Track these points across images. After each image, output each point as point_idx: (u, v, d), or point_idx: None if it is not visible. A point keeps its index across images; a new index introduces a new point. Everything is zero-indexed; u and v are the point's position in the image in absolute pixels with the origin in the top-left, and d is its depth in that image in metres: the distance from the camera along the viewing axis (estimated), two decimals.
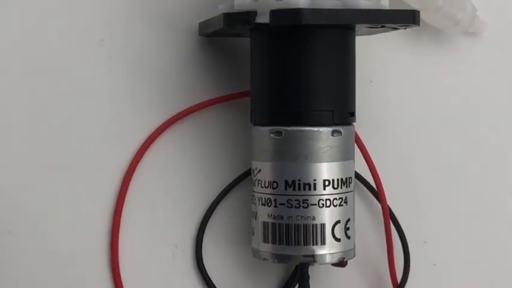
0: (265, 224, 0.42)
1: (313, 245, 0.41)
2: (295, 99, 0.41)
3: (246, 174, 0.46)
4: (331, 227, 0.41)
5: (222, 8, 0.42)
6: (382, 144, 0.47)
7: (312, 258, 0.41)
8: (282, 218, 0.41)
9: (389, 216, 0.46)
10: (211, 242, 0.46)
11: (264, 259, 0.42)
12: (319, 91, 0.41)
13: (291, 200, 0.41)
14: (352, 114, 0.42)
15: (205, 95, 0.46)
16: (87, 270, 0.45)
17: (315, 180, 0.41)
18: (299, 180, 0.41)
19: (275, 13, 0.39)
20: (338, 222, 0.42)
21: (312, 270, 0.44)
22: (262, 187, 0.42)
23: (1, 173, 0.45)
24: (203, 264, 0.46)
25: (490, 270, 0.48)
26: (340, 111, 0.41)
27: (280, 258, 0.42)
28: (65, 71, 0.45)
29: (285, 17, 0.39)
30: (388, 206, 0.46)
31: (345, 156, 0.42)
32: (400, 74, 0.48)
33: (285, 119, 0.41)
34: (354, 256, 0.43)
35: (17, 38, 0.45)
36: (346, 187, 0.42)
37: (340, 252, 0.42)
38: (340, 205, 0.42)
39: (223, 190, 0.46)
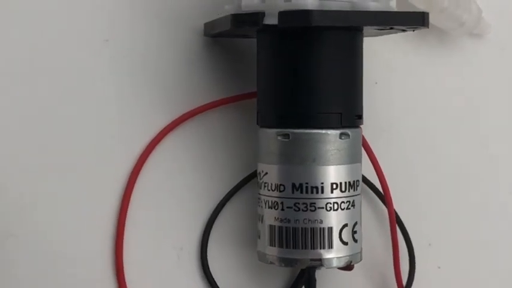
0: (271, 227, 0.42)
1: (320, 248, 0.41)
2: (304, 101, 0.40)
3: (252, 176, 0.46)
4: (338, 231, 0.41)
5: (229, 9, 0.41)
6: (386, 146, 0.47)
7: (319, 262, 0.41)
8: (289, 221, 0.41)
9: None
10: (217, 245, 0.46)
11: (271, 263, 0.42)
12: (328, 93, 0.40)
13: (298, 203, 0.41)
14: (360, 116, 0.42)
15: (210, 96, 0.46)
16: (91, 272, 0.45)
17: (322, 183, 0.41)
18: (306, 183, 0.41)
19: (284, 14, 0.39)
20: (345, 225, 0.41)
21: (317, 273, 0.43)
22: (268, 190, 0.42)
23: (3, 173, 0.44)
24: (208, 267, 0.46)
25: (494, 272, 0.48)
26: (348, 113, 0.41)
27: (287, 262, 0.41)
28: (69, 72, 0.45)
29: (294, 19, 0.38)
30: (394, 209, 0.46)
31: (353, 159, 0.41)
32: (405, 75, 0.48)
33: (293, 121, 0.41)
34: (361, 260, 0.43)
35: (21, 39, 0.44)
36: (354, 190, 0.42)
37: (347, 256, 0.41)
38: (347, 208, 0.41)
39: (228, 192, 0.46)
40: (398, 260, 0.46)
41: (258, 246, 0.43)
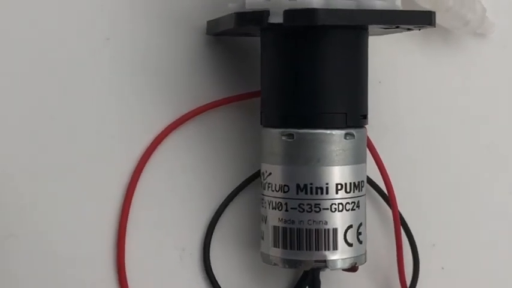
0: (275, 228, 0.41)
1: (325, 250, 0.40)
2: (308, 101, 0.40)
3: (255, 177, 0.45)
4: (343, 232, 0.41)
5: (233, 7, 0.41)
6: (390, 145, 0.47)
7: (324, 264, 0.40)
8: (293, 222, 0.40)
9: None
10: (219, 246, 0.45)
11: (274, 264, 0.42)
12: (333, 93, 0.40)
13: (303, 204, 0.40)
14: (365, 116, 0.42)
15: (212, 96, 0.45)
16: (93, 273, 0.44)
17: (327, 184, 0.40)
18: (311, 184, 0.40)
19: (289, 13, 0.38)
20: (350, 226, 0.41)
21: (320, 274, 0.43)
22: (272, 190, 0.41)
23: (3, 173, 0.44)
24: (211, 268, 0.45)
25: (498, 273, 0.48)
26: (353, 113, 0.41)
27: (291, 263, 0.41)
28: (69, 71, 0.44)
29: (299, 18, 0.38)
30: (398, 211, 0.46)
31: (358, 159, 0.41)
32: (409, 74, 0.47)
33: (297, 121, 0.40)
34: (365, 261, 0.42)
35: (22, 37, 0.44)
36: (359, 191, 0.41)
37: (352, 257, 0.41)
38: (352, 209, 0.41)
39: (231, 192, 0.45)
40: (403, 262, 0.46)
41: (261, 248, 0.42)
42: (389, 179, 0.45)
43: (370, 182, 0.46)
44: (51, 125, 0.44)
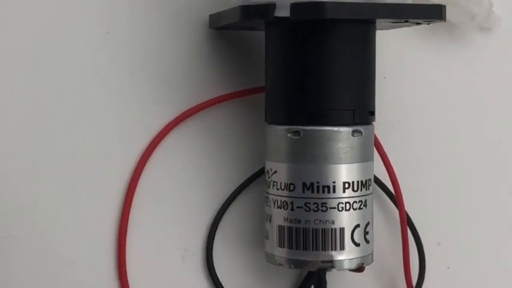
0: (280, 227, 0.40)
1: (331, 250, 0.39)
2: (315, 97, 0.39)
3: (259, 174, 0.45)
4: (350, 232, 0.40)
5: (236, 1, 0.40)
6: (394, 142, 0.46)
7: (331, 264, 0.40)
8: (299, 221, 0.40)
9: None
10: (222, 245, 0.45)
11: (280, 264, 0.41)
12: (341, 89, 0.39)
13: (309, 203, 0.39)
14: (372, 113, 0.41)
15: (215, 92, 0.44)
16: (93, 275, 0.43)
17: (334, 182, 0.39)
18: (318, 182, 0.39)
19: (296, 7, 0.37)
20: (357, 226, 0.40)
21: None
22: (277, 189, 0.40)
23: (2, 173, 0.43)
24: (214, 269, 0.44)
25: (504, 272, 0.47)
26: (361, 110, 0.40)
27: (296, 263, 0.40)
28: (68, 66, 0.43)
29: (307, 11, 0.37)
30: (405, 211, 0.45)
31: (365, 157, 0.40)
32: (414, 69, 0.47)
33: (304, 118, 0.39)
34: (372, 261, 0.41)
35: (22, 32, 0.43)
36: (366, 189, 0.40)
37: (359, 257, 0.40)
38: (359, 208, 0.40)
39: (234, 191, 0.45)
40: (409, 262, 0.45)
41: (265, 247, 0.42)
42: (396, 178, 0.44)
43: (376, 180, 0.45)
44: (50, 122, 0.43)
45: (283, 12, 0.38)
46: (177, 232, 0.44)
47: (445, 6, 0.39)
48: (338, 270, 0.40)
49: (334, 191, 0.39)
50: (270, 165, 0.41)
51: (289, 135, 0.40)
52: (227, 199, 0.45)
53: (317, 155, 0.39)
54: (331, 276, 0.44)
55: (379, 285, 0.46)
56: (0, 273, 0.43)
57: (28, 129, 0.43)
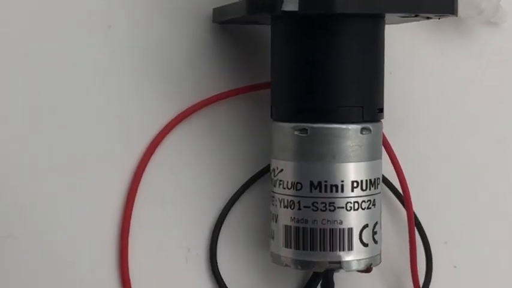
0: (287, 227, 0.39)
1: (339, 250, 0.39)
2: (323, 93, 0.38)
3: (263, 172, 0.44)
4: (358, 232, 0.39)
5: None
6: (401, 139, 0.45)
7: (338, 265, 0.39)
8: (306, 221, 0.39)
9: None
10: (226, 245, 0.44)
11: (286, 265, 0.40)
12: (349, 85, 0.38)
13: (317, 203, 0.38)
14: (381, 110, 0.40)
15: (218, 88, 0.43)
16: (95, 275, 0.43)
17: (342, 181, 0.38)
18: (325, 181, 0.38)
19: (305, 1, 0.36)
20: (366, 226, 0.39)
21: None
22: (284, 188, 0.39)
23: (2, 173, 0.42)
24: (218, 269, 0.44)
25: (510, 271, 0.46)
26: (370, 107, 0.39)
27: (303, 264, 0.39)
28: (69, 63, 0.42)
29: (316, 5, 0.36)
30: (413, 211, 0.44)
31: (373, 155, 0.39)
32: (420, 64, 0.46)
33: (311, 115, 0.38)
34: (380, 262, 0.41)
35: (22, 25, 0.42)
36: (375, 188, 0.39)
37: (367, 258, 0.39)
38: (368, 208, 0.39)
39: (238, 189, 0.44)
40: (416, 262, 0.44)
41: (271, 247, 0.41)
42: (404, 177, 0.44)
43: (384, 179, 0.44)
44: (50, 119, 0.42)
45: (291, 6, 0.37)
46: (180, 232, 0.44)
47: (456, 0, 0.38)
48: (346, 271, 0.39)
49: (342, 190, 0.38)
50: (276, 164, 0.40)
51: (296, 132, 0.39)
52: (231, 198, 0.44)
53: (325, 153, 0.38)
54: (336, 276, 0.43)
55: (385, 285, 0.45)
56: (0, 274, 0.42)
57: (28, 128, 0.42)
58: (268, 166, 0.42)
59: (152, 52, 0.43)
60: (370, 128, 0.39)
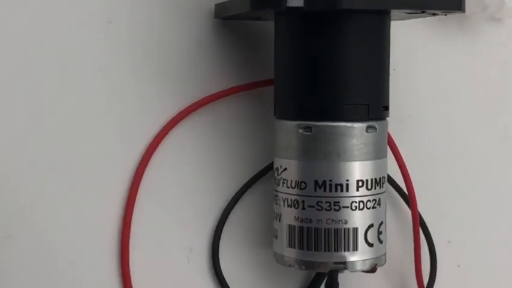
0: (291, 227, 0.39)
1: (344, 251, 0.38)
2: (328, 91, 0.37)
3: (266, 171, 0.43)
4: (364, 231, 0.38)
5: None
6: (405, 138, 0.44)
7: (343, 266, 0.38)
8: (310, 221, 0.38)
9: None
10: (229, 245, 0.43)
11: (289, 265, 0.39)
12: (355, 82, 0.37)
13: (321, 202, 0.38)
14: (387, 108, 0.39)
15: (220, 85, 0.43)
16: (95, 276, 0.42)
17: (347, 180, 0.38)
18: (330, 180, 0.38)
19: None
20: (371, 226, 0.38)
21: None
22: (288, 187, 0.39)
23: (2, 172, 0.41)
24: (220, 269, 0.43)
25: None
26: (376, 104, 0.38)
27: (307, 265, 0.38)
28: (68, 59, 0.42)
29: (321, 1, 0.35)
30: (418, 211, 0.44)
31: (379, 154, 0.39)
32: (423, 61, 0.45)
33: (316, 113, 0.38)
34: (385, 262, 0.40)
35: (22, 21, 0.41)
36: (380, 188, 0.39)
37: (372, 258, 0.39)
38: (373, 207, 0.38)
39: (240, 188, 0.43)
40: (420, 262, 0.44)
41: (274, 247, 0.40)
42: (409, 177, 0.43)
43: (389, 179, 0.44)
44: (50, 117, 0.42)
45: (296, 2, 0.36)
46: (182, 231, 0.43)
47: None
48: (351, 271, 0.39)
49: (347, 190, 0.38)
50: (279, 162, 0.39)
51: (300, 131, 0.38)
52: (233, 197, 0.43)
53: (329, 151, 0.38)
54: (340, 274, 0.42)
55: (389, 283, 0.45)
56: (0, 274, 0.42)
57: (28, 127, 0.42)
58: (271, 164, 0.41)
59: (153, 49, 0.42)
60: (376, 126, 0.38)
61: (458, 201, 0.46)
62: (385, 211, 0.40)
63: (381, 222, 0.39)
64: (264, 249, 0.43)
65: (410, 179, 0.43)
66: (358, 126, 0.38)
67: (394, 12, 0.39)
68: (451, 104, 0.46)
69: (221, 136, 0.43)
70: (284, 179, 0.39)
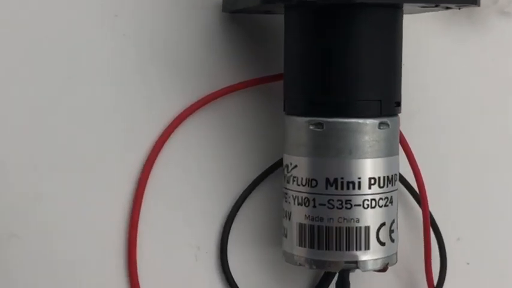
0: (301, 225, 0.38)
1: (356, 250, 0.37)
2: (340, 86, 0.36)
3: (275, 168, 0.42)
4: (375, 230, 0.38)
5: None
6: (414, 133, 0.43)
7: (355, 265, 0.37)
8: (321, 219, 0.37)
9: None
10: (237, 243, 0.43)
11: (300, 264, 0.38)
12: (367, 78, 0.37)
13: (333, 200, 0.37)
14: (399, 103, 0.38)
15: (228, 80, 0.42)
16: (102, 275, 0.41)
17: (359, 178, 0.37)
18: (342, 178, 0.37)
19: None
20: (383, 224, 0.38)
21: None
22: (298, 185, 0.38)
23: (6, 171, 0.41)
24: (228, 268, 0.42)
25: None
26: (388, 100, 0.37)
27: (318, 264, 0.38)
28: (74, 54, 0.41)
29: None
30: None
31: (391, 151, 0.38)
32: (433, 56, 0.44)
33: (327, 109, 0.37)
34: (397, 261, 0.39)
35: (28, 15, 0.40)
36: (392, 185, 0.38)
37: (384, 257, 0.38)
38: (385, 205, 0.38)
39: (249, 186, 0.42)
40: (430, 259, 0.43)
41: (283, 246, 0.39)
42: (421, 175, 0.42)
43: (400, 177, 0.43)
44: (56, 115, 0.41)
45: None
46: (190, 230, 0.42)
47: None
48: (363, 271, 0.38)
49: (359, 188, 0.37)
50: (289, 159, 0.39)
51: (311, 127, 0.37)
52: (241, 194, 0.42)
53: (341, 148, 0.37)
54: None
55: (398, 282, 0.44)
56: (4, 274, 0.41)
57: (33, 125, 0.41)
58: (279, 161, 0.41)
59: (159, 43, 0.42)
60: (388, 122, 0.38)
61: (467, 198, 0.45)
62: (397, 209, 0.39)
63: (393, 221, 0.38)
64: (273, 247, 0.42)
65: (421, 177, 0.42)
66: (371, 123, 0.37)
67: (406, 6, 0.38)
68: (460, 98, 0.45)
69: (229, 133, 0.42)
70: (294, 177, 0.38)
